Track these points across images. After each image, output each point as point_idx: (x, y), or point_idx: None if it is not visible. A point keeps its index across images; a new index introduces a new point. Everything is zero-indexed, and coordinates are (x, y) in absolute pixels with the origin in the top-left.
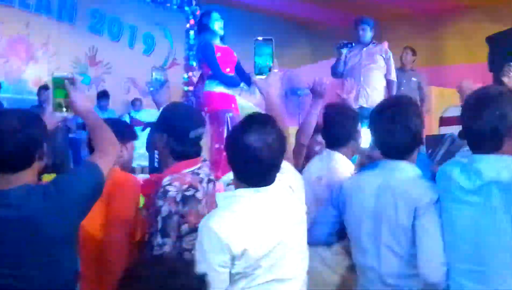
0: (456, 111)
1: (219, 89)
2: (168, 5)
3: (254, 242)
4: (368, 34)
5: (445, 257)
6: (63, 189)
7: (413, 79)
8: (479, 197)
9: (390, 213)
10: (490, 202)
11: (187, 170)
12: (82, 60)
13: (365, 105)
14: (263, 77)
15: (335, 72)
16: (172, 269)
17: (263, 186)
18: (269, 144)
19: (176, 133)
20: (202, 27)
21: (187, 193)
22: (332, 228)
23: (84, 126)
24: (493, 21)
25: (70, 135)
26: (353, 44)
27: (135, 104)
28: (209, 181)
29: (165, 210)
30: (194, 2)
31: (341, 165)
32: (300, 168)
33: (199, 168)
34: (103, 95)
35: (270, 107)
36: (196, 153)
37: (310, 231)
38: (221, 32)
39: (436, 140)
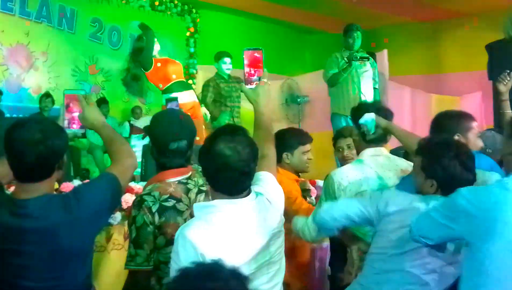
0: None
1: None
2: (169, 13)
3: (228, 253)
4: (360, 41)
5: None
6: (83, 201)
7: None
8: None
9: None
10: None
11: (172, 179)
12: (82, 68)
13: None
14: (252, 86)
15: (336, 81)
16: None
17: (236, 194)
18: (238, 152)
19: (157, 144)
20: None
21: (166, 204)
22: None
23: None
24: (492, 29)
25: None
26: (369, 58)
27: (135, 112)
28: (200, 191)
29: (139, 220)
30: (194, 10)
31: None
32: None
33: (188, 178)
34: (102, 102)
35: (258, 117)
36: (180, 164)
37: None
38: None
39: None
